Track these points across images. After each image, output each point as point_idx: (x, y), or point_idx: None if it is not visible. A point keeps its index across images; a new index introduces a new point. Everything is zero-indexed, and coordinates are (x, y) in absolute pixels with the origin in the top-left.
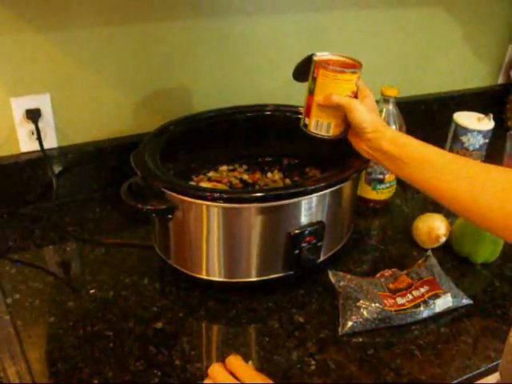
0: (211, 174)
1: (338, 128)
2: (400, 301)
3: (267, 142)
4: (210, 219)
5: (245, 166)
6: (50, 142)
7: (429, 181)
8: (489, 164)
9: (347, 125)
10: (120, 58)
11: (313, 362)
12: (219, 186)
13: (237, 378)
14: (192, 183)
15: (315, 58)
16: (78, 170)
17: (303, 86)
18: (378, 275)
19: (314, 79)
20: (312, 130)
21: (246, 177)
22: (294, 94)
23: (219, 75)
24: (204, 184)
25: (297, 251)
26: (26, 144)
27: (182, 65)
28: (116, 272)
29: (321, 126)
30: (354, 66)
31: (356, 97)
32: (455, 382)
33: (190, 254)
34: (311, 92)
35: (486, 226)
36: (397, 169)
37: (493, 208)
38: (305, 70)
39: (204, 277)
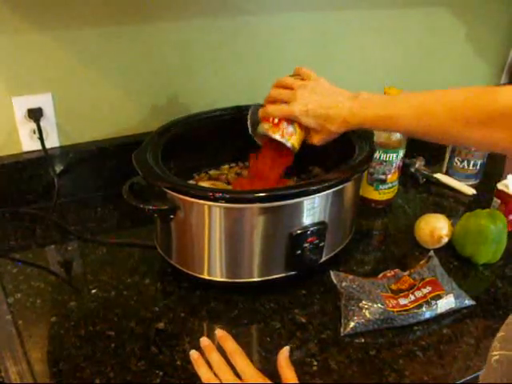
0: (212, 172)
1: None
2: (402, 301)
3: None
4: (211, 219)
5: (247, 163)
6: (52, 141)
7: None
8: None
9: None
10: (122, 58)
11: (315, 363)
12: (217, 183)
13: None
14: (192, 182)
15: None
16: (80, 170)
17: None
18: (380, 276)
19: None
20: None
21: (245, 172)
22: None
23: (221, 75)
24: (202, 183)
25: (299, 251)
26: (28, 143)
27: (183, 65)
28: (117, 272)
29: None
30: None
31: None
32: (457, 382)
33: (192, 253)
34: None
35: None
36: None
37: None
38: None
39: (206, 277)
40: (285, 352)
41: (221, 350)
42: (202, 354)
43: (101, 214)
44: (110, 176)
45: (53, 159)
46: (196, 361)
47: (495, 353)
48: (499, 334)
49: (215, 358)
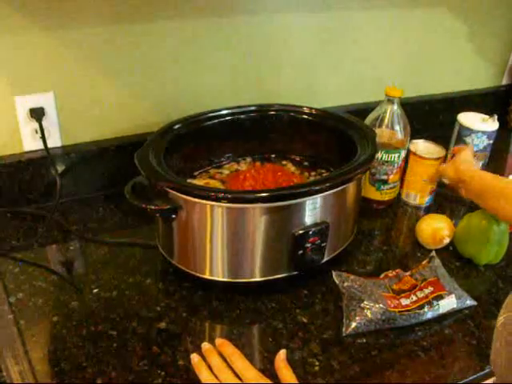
0: (212, 170)
1: (424, 198)
2: (404, 302)
3: (272, 142)
4: (214, 219)
5: (249, 159)
6: (54, 140)
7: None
8: None
9: (431, 192)
10: (124, 58)
11: (316, 363)
12: (211, 182)
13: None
14: (189, 180)
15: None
16: (82, 169)
17: (308, 86)
18: (381, 276)
19: (407, 162)
20: (404, 198)
21: (243, 167)
22: (298, 94)
23: (223, 75)
24: (198, 181)
25: (301, 251)
26: (30, 143)
27: (186, 64)
28: (119, 271)
29: (410, 196)
30: (438, 152)
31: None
32: (459, 383)
33: (194, 253)
34: (405, 170)
35: None
36: (483, 203)
37: None
38: None
39: (208, 277)
40: (281, 354)
41: (222, 356)
42: (203, 357)
43: (102, 213)
44: (112, 176)
45: (55, 159)
46: (197, 364)
47: (500, 317)
48: (505, 302)
49: (216, 360)
